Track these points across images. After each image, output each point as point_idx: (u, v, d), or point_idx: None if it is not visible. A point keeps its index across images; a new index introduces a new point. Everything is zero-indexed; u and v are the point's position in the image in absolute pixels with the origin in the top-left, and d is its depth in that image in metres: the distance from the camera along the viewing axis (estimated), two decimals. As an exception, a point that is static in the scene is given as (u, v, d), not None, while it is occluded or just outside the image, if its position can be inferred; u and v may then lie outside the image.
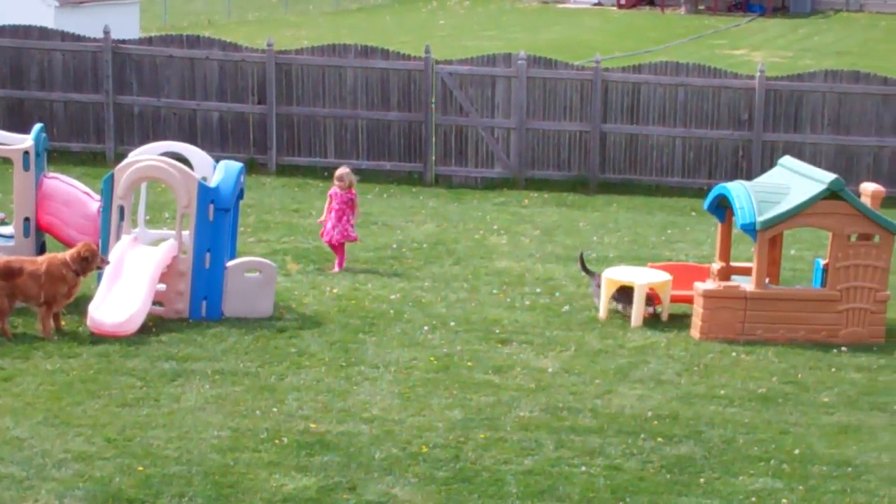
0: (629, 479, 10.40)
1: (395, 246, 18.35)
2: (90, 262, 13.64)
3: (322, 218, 17.12)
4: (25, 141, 14.87)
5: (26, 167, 14.57)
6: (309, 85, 24.07)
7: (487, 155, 24.25)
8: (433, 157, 24.27)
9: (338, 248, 16.92)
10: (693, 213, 22.00)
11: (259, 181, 22.74)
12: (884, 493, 10.42)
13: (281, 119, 24.10)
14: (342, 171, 17.17)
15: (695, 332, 14.54)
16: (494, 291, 16.25)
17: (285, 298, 15.30)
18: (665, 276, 15.22)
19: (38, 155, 14.73)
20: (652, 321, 15.05)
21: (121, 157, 20.14)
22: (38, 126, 15.13)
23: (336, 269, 16.81)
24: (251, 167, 22.65)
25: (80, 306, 14.20)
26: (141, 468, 10.12)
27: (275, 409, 11.64)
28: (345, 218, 16.90)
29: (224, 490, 9.81)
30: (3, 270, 13.32)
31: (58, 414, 11.26)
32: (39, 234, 14.91)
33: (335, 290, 15.83)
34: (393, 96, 24.09)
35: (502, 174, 24.18)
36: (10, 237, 14.78)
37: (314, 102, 24.07)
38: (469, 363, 13.25)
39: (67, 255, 13.67)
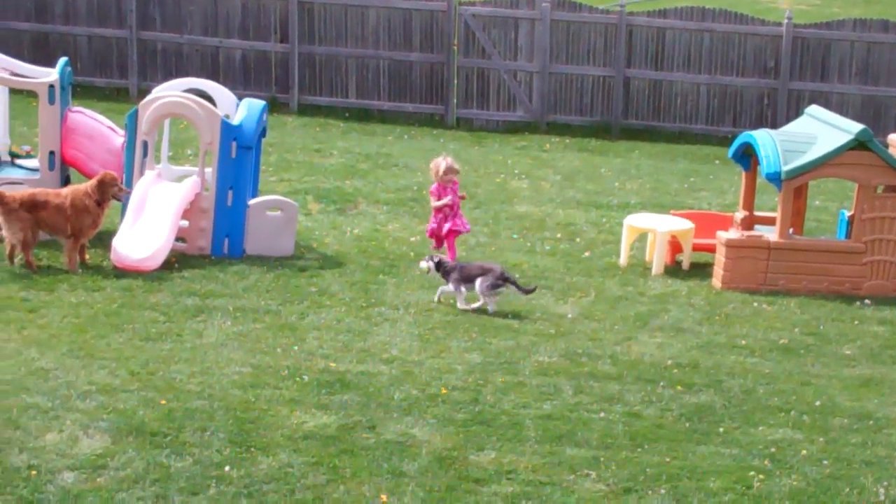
0: (648, 427, 10.48)
1: (415, 188, 18.40)
2: (108, 189, 13.73)
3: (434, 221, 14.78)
4: (51, 74, 14.90)
5: (51, 101, 14.61)
6: (331, 24, 24.05)
7: (509, 98, 24.24)
8: (455, 100, 24.27)
9: (451, 238, 14.72)
10: (717, 162, 22.00)
11: (280, 120, 22.77)
12: (902, 445, 10.49)
13: (303, 58, 24.11)
14: (451, 161, 14.73)
15: (716, 282, 14.59)
16: (514, 236, 16.30)
17: (306, 238, 15.38)
18: (687, 224, 15.25)
19: (62, 89, 14.76)
20: (673, 269, 15.09)
21: (144, 92, 20.21)
22: (62, 60, 15.15)
23: None
24: (273, 106, 22.68)
25: (104, 241, 14.28)
26: (164, 401, 10.22)
27: (295, 348, 11.73)
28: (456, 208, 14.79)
29: (245, 425, 9.90)
30: (27, 202, 13.42)
31: (82, 346, 11.37)
32: (64, 168, 14.97)
33: (356, 231, 15.89)
34: (415, 37, 24.07)
35: (524, 118, 24.18)
36: (36, 170, 14.85)
37: (336, 42, 24.07)
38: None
39: (88, 185, 13.77)
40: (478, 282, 13.14)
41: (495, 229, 16.53)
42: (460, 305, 13.24)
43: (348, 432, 9.94)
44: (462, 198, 14.98)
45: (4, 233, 13.46)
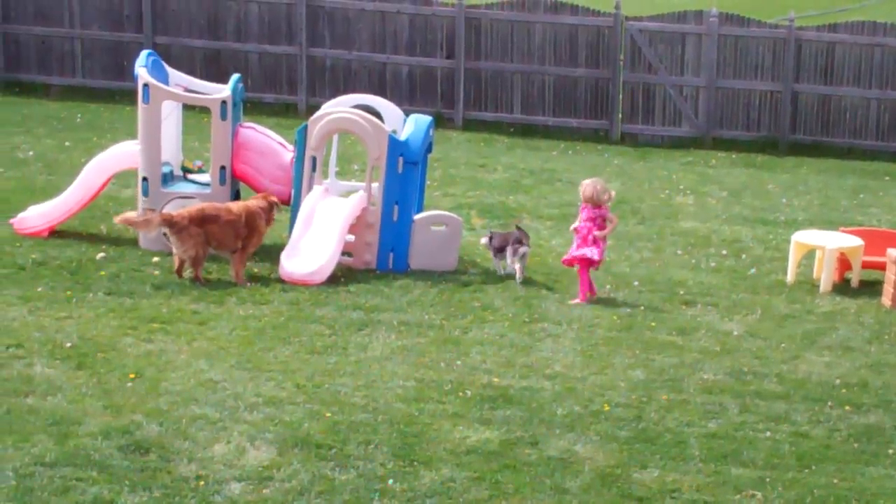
0: (815, 447, 10.24)
1: (579, 204, 18.25)
2: (273, 211, 14.09)
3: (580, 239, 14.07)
4: (223, 91, 15.17)
5: (223, 117, 14.87)
6: (497, 40, 24.10)
7: (675, 113, 24.00)
8: (619, 115, 24.11)
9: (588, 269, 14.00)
10: (887, 178, 21.48)
11: (445, 135, 22.86)
12: None
13: (469, 74, 24.19)
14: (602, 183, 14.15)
15: (886, 300, 14.21)
16: (679, 252, 16.11)
17: (470, 253, 15.40)
18: (857, 241, 14.89)
19: (234, 105, 15.01)
20: (842, 287, 14.75)
21: (312, 108, 20.48)
22: (235, 76, 15.41)
23: (579, 300, 13.84)
24: (438, 121, 22.79)
25: (272, 255, 14.50)
26: (329, 414, 10.30)
27: (459, 362, 11.74)
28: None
29: (409, 439, 9.93)
30: (197, 218, 13.67)
31: (250, 358, 11.53)
32: (234, 182, 15.23)
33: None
34: (581, 52, 23.98)
35: (690, 133, 23.91)
36: (207, 185, 15.12)
37: (502, 58, 24.10)
38: (652, 323, 13.17)
39: (258, 204, 14.01)
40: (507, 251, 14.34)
41: (659, 245, 16.35)
42: (499, 272, 14.52)
43: (511, 448, 9.90)
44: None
45: (175, 250, 13.73)
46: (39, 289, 13.16)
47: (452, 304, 13.47)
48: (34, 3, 24.94)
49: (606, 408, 10.79)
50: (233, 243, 13.77)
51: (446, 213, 15.22)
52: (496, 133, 23.65)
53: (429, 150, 15.48)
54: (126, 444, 9.52)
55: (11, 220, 15.19)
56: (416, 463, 9.52)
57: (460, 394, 10.93)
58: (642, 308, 13.64)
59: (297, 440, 9.77)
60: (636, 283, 14.55)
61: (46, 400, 10.30)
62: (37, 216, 15.15)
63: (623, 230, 16.92)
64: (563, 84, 24.09)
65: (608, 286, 14.35)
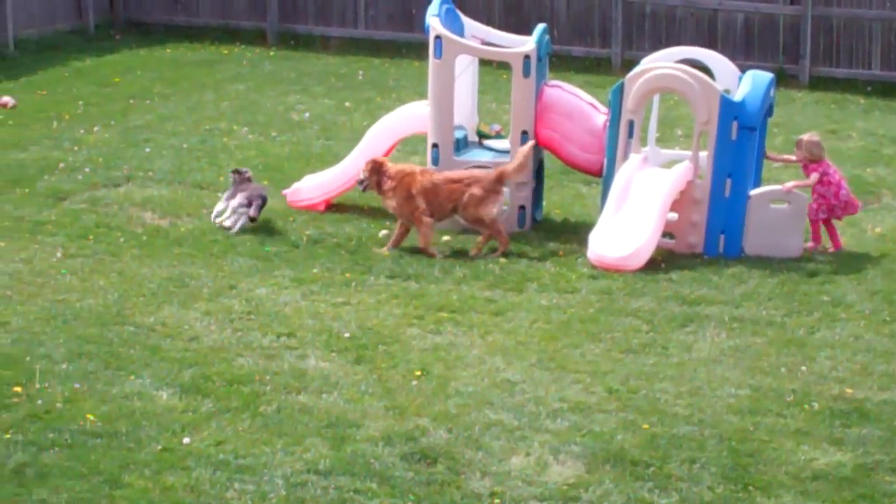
0: None
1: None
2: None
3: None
4: (526, 43, 15.16)
5: (526, 73, 14.86)
6: (853, -20, 23.45)
7: None
8: None
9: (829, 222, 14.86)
10: None
11: (788, 95, 22.42)
12: None
13: (817, 22, 23.58)
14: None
15: None
16: None
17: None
18: None
19: (539, 60, 14.99)
20: None
21: (628, 63, 20.32)
22: (540, 27, 15.39)
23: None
24: (779, 79, 22.27)
25: (578, 234, 14.47)
26: (646, 426, 10.21)
27: (803, 368, 11.50)
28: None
29: (742, 459, 9.77)
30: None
31: (553, 356, 11.53)
32: (537, 150, 15.22)
33: (878, 230, 15.41)
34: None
35: None
36: (505, 152, 15.15)
37: (858, 3, 23.39)
38: None
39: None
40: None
41: None
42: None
43: (867, 474, 9.63)
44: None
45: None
46: (314, 270, 13.47)
47: (796, 297, 13.20)
48: (314, -55, 25.57)
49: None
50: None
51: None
52: (850, 93, 23.01)
53: (769, 113, 15.18)
54: (410, 453, 9.65)
55: (285, 192, 15.58)
56: (750, 488, 9.37)
57: (805, 406, 10.71)
58: None
59: (608, 455, 9.72)
60: None
61: (321, 398, 10.52)
62: (313, 187, 15.49)
63: None
64: (934, 34, 23.27)
65: None
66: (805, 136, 14.96)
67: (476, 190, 14.19)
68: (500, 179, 14.30)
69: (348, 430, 9.97)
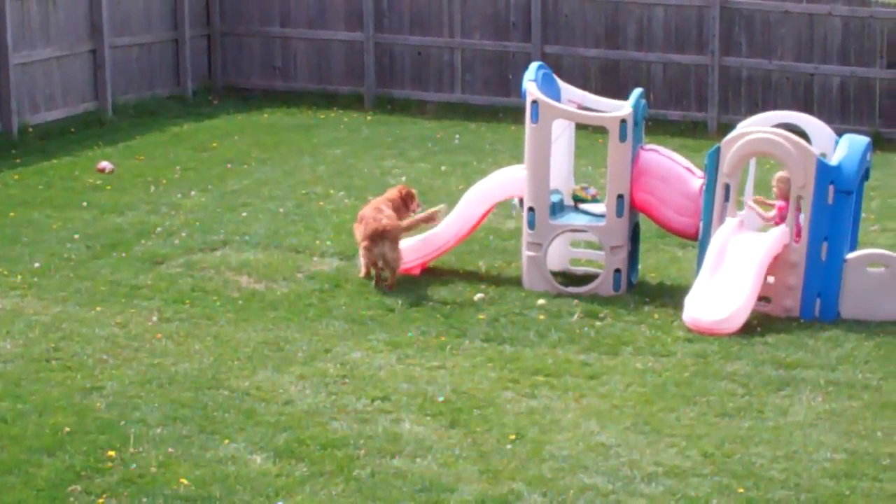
0: None
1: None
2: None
3: None
4: (623, 108, 15.19)
5: (623, 137, 14.89)
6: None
7: None
8: None
9: None
10: None
11: (886, 159, 22.24)
12: None
13: (913, 85, 23.45)
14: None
15: None
16: None
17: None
18: None
19: (636, 124, 15.02)
20: None
21: (724, 127, 20.31)
22: (637, 91, 15.41)
23: None
24: (876, 142, 22.15)
25: (674, 297, 14.45)
26: (742, 489, 10.15)
27: (901, 433, 11.40)
28: None
29: (839, 525, 9.70)
30: None
31: (648, 420, 11.50)
32: (633, 214, 15.23)
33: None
34: None
35: None
36: (601, 216, 15.15)
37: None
38: None
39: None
40: None
41: None
42: None
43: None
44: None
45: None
46: (410, 334, 13.53)
47: (892, 360, 13.10)
48: (409, 9, 25.78)
49: None
50: None
51: (886, 251, 14.76)
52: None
53: (865, 176, 15.08)
54: (504, 516, 9.64)
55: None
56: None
57: (902, 471, 10.58)
58: None
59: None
60: None
61: (415, 462, 10.55)
62: (408, 250, 15.56)
63: None
64: None
65: None
66: None
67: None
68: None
69: (442, 494, 9.99)
